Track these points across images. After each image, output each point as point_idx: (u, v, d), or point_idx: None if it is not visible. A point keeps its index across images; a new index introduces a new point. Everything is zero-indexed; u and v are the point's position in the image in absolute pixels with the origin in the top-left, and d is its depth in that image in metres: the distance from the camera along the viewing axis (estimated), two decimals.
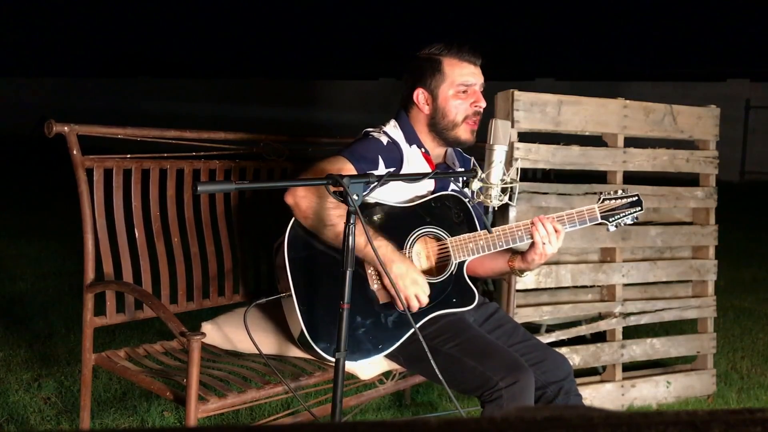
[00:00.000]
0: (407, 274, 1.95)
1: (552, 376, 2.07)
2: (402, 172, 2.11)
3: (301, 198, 1.94)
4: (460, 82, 2.13)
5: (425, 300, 1.98)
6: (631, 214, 2.13)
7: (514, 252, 2.15)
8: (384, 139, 2.13)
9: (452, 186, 2.24)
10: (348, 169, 1.99)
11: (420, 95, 2.16)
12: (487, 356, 1.94)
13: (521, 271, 2.14)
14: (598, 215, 2.11)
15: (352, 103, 16.53)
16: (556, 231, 2.02)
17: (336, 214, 1.92)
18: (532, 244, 2.04)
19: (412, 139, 2.18)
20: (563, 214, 2.09)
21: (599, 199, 2.13)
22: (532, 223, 2.02)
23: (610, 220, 2.12)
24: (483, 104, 2.17)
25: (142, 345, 2.33)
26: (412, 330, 2.01)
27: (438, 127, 2.16)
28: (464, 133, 2.16)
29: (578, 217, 2.09)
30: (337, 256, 1.99)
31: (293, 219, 2.00)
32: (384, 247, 1.93)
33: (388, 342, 2.03)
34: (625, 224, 2.14)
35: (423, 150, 2.18)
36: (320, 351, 1.97)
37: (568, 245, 2.91)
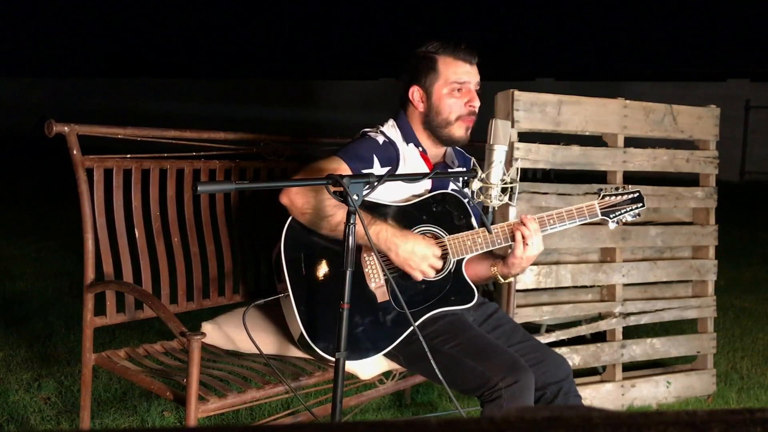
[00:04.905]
0: (415, 253, 1.94)
1: (552, 376, 2.07)
2: (399, 171, 2.10)
3: (295, 195, 1.93)
4: (454, 80, 2.12)
5: (438, 264, 1.99)
6: (632, 210, 2.12)
7: (496, 257, 2.15)
8: (380, 139, 2.13)
9: (452, 186, 2.24)
10: (343, 169, 1.98)
11: (415, 93, 2.16)
12: (487, 356, 1.94)
13: (503, 277, 2.11)
14: (598, 211, 2.09)
15: (352, 103, 16.52)
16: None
17: (332, 204, 1.91)
18: (513, 248, 2.01)
19: (409, 137, 2.18)
20: (562, 210, 2.08)
21: (599, 196, 2.12)
22: (521, 223, 2.01)
23: (611, 216, 2.10)
24: (477, 104, 2.16)
25: (142, 345, 2.33)
26: (411, 329, 2.01)
27: (432, 124, 2.16)
28: (458, 130, 2.15)
29: (578, 213, 2.08)
30: (334, 257, 1.99)
31: (289, 219, 1.99)
32: (385, 231, 1.93)
33: (387, 341, 2.03)
34: (626, 221, 2.13)
35: (420, 149, 2.18)
36: (320, 351, 1.97)
37: (569, 245, 2.91)
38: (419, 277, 1.99)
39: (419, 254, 1.95)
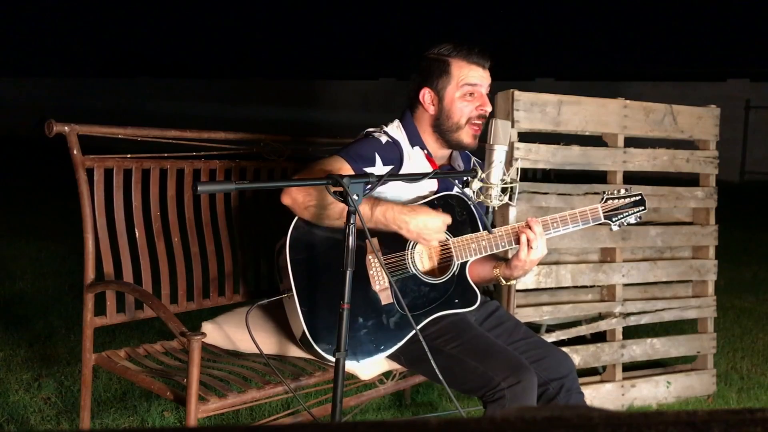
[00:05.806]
0: (426, 226, 1.93)
1: (554, 373, 2.07)
2: (402, 171, 2.10)
3: (296, 193, 1.93)
4: (466, 83, 2.12)
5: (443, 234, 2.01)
6: (634, 213, 2.12)
7: (499, 259, 2.15)
8: (383, 139, 2.13)
9: (458, 189, 2.23)
10: (344, 168, 1.98)
11: (426, 95, 2.16)
12: (489, 356, 1.94)
13: (506, 279, 2.11)
14: (601, 215, 2.10)
15: (352, 103, 16.54)
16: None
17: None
18: (517, 251, 2.02)
19: (415, 139, 2.17)
20: (566, 213, 2.08)
21: (602, 199, 2.12)
22: (526, 226, 2.01)
23: (613, 219, 2.11)
24: (488, 108, 2.15)
25: (142, 345, 2.33)
26: (414, 331, 2.01)
27: (442, 128, 2.16)
28: (467, 136, 2.15)
29: (581, 216, 2.08)
30: (338, 258, 1.98)
31: (295, 219, 1.99)
32: (391, 210, 1.92)
33: (390, 343, 2.03)
34: (628, 224, 2.13)
35: (426, 152, 2.18)
36: (321, 351, 1.97)
37: (569, 245, 2.91)
38: (435, 243, 2.01)
39: (431, 227, 1.94)
